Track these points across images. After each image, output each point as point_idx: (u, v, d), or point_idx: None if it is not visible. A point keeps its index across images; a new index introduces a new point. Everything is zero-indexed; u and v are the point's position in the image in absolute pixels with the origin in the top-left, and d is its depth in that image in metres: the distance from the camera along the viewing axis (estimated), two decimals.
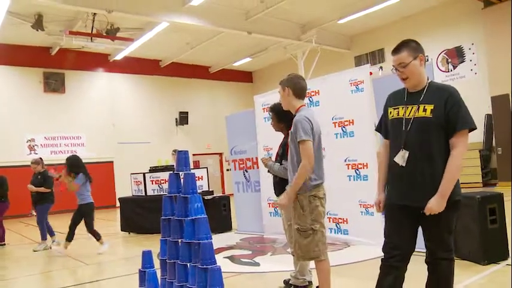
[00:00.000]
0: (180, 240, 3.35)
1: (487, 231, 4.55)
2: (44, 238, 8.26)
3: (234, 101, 21.71)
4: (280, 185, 4.22)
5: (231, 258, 6.22)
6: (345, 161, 6.31)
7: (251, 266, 5.68)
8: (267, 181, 7.25)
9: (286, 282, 4.42)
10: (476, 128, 2.66)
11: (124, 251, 8.13)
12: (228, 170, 19.37)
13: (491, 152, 14.02)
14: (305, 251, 3.48)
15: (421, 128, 2.67)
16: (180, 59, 19.35)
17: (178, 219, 3.36)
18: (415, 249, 2.80)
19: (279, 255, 6.21)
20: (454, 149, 2.62)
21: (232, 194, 8.93)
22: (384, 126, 2.97)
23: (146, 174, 9.96)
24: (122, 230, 9.96)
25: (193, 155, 19.75)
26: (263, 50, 18.46)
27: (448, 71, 15.33)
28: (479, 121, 13.36)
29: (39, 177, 8.31)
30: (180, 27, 14.66)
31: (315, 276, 3.73)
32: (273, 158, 4.69)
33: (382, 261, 2.82)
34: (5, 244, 8.96)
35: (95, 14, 13.18)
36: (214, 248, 3.15)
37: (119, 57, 17.79)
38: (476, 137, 13.40)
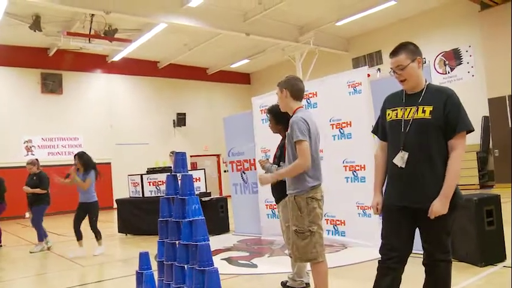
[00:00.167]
0: (177, 242, 3.35)
1: (484, 233, 4.56)
2: (40, 239, 8.23)
3: (232, 102, 21.70)
4: (278, 187, 4.21)
5: (229, 260, 6.22)
6: (343, 162, 6.31)
7: (249, 268, 5.67)
8: None
9: (283, 284, 4.42)
10: (474, 130, 2.68)
11: (121, 253, 8.11)
12: (225, 171, 19.36)
13: (489, 154, 14.05)
14: (302, 252, 3.48)
15: (420, 130, 2.68)
16: (178, 61, 19.34)
17: (176, 220, 3.35)
18: (413, 251, 2.80)
19: (277, 256, 6.21)
20: (453, 150, 2.63)
21: (230, 196, 8.93)
22: (381, 128, 2.97)
23: (144, 175, 9.94)
24: (119, 232, 9.95)
25: (191, 156, 19.74)
26: (261, 52, 18.46)
27: (446, 73, 15.38)
28: (477, 123, 13.39)
29: (34, 178, 8.27)
30: (178, 29, 14.66)
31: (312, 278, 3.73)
32: (271, 160, 4.69)
33: (379, 262, 2.82)
34: (1, 246, 8.93)
35: (92, 15, 13.17)
36: (212, 249, 3.15)
37: (116, 58, 17.78)
38: (474, 139, 13.43)
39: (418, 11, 15.72)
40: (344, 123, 6.34)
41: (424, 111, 2.68)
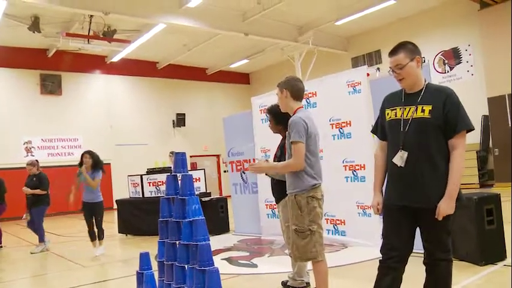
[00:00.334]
0: (177, 242, 3.35)
1: (484, 232, 4.56)
2: (41, 240, 8.23)
3: (231, 102, 21.70)
4: (278, 187, 4.22)
5: (229, 259, 6.22)
6: (342, 162, 6.31)
7: (249, 268, 5.67)
8: (264, 183, 7.26)
9: (284, 283, 4.42)
10: (474, 129, 2.68)
11: (121, 253, 8.11)
12: (225, 171, 19.34)
13: (488, 153, 14.06)
14: (302, 251, 3.48)
15: (420, 129, 2.68)
16: (177, 61, 19.34)
17: (176, 221, 3.35)
18: (414, 251, 2.80)
19: (277, 256, 6.21)
20: (455, 150, 2.64)
21: (230, 196, 8.93)
22: (381, 128, 2.97)
23: (143, 176, 9.94)
24: (119, 232, 9.95)
25: (191, 156, 19.73)
26: (260, 52, 18.47)
27: (445, 72, 15.38)
28: (476, 122, 13.31)
29: (34, 179, 8.28)
30: (177, 29, 14.66)
31: (313, 277, 3.73)
32: (271, 160, 4.69)
33: (380, 262, 2.82)
34: (1, 246, 8.93)
35: (91, 16, 13.16)
36: (212, 249, 3.15)
37: (115, 59, 17.77)
38: (473, 138, 13.43)
39: (418, 10, 15.72)
40: (344, 122, 6.34)
41: (423, 111, 2.69)
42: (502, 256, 4.66)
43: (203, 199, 8.63)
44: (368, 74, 6.26)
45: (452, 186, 2.61)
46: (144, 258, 3.67)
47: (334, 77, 6.66)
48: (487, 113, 13.76)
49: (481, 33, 13.99)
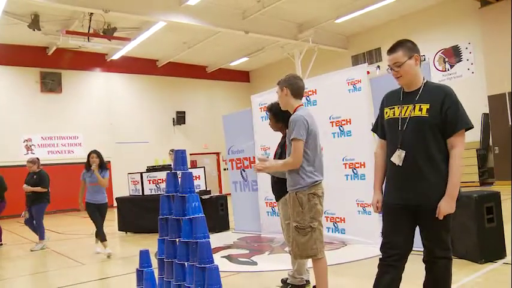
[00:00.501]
0: (177, 240, 3.35)
1: (484, 230, 4.57)
2: (42, 238, 8.24)
3: (231, 100, 21.70)
4: (278, 184, 4.22)
5: (229, 257, 6.23)
6: (342, 160, 6.31)
7: (249, 265, 5.68)
8: (264, 180, 7.27)
9: (283, 281, 4.42)
10: (473, 127, 2.67)
11: (121, 251, 8.11)
12: (225, 169, 19.34)
13: (488, 151, 14.06)
14: (303, 249, 3.48)
15: (417, 128, 2.68)
16: (177, 59, 19.33)
17: (176, 218, 3.36)
18: (414, 249, 2.80)
19: (277, 254, 6.22)
20: (454, 148, 2.63)
21: (230, 194, 8.93)
22: (380, 127, 2.98)
23: (143, 173, 9.94)
24: (119, 230, 9.95)
25: (191, 154, 19.73)
26: (260, 50, 18.46)
27: (445, 71, 15.37)
28: (476, 120, 13.40)
29: (34, 177, 8.29)
30: (177, 27, 14.65)
31: (313, 275, 3.73)
32: (271, 158, 4.69)
33: (380, 260, 2.83)
34: (1, 244, 8.94)
35: (91, 13, 13.14)
36: (212, 247, 3.16)
37: (116, 56, 17.76)
38: (473, 136, 13.44)
39: (418, 8, 15.71)
40: (344, 120, 6.33)
41: (420, 109, 2.69)
42: (501, 254, 4.66)
43: (203, 197, 8.64)
44: (368, 72, 6.25)
45: (453, 185, 2.61)
46: (144, 255, 3.67)
47: (334, 75, 6.65)
48: (487, 111, 13.75)
49: (482, 31, 13.98)
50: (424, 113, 2.67)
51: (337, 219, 6.47)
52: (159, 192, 9.19)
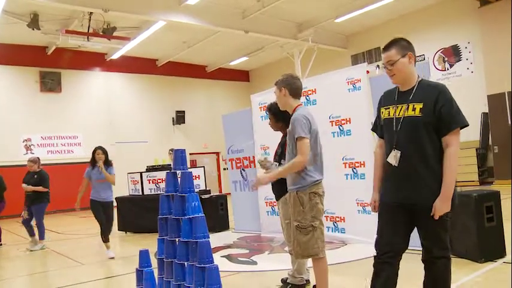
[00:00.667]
0: (177, 239, 3.34)
1: (484, 229, 4.56)
2: (41, 238, 8.24)
3: (231, 100, 21.69)
4: (278, 184, 4.21)
5: (229, 257, 6.22)
6: (342, 159, 6.31)
7: (248, 265, 5.67)
8: None
9: (283, 281, 4.42)
10: (468, 125, 2.65)
11: (121, 251, 8.11)
12: (225, 169, 19.34)
13: (488, 150, 14.05)
14: (304, 248, 3.48)
15: (411, 128, 2.68)
16: (176, 58, 19.31)
17: (176, 218, 3.35)
18: (413, 248, 2.80)
19: (277, 253, 6.21)
20: (448, 147, 2.62)
21: (230, 193, 8.93)
22: (380, 126, 2.98)
23: (143, 173, 9.94)
24: (118, 230, 9.93)
25: (190, 154, 19.72)
26: (260, 49, 18.43)
27: (445, 70, 15.36)
28: (476, 119, 13.39)
29: (35, 176, 8.28)
30: (177, 26, 14.63)
31: (312, 274, 3.73)
32: (271, 158, 4.68)
33: (374, 258, 2.83)
34: (1, 244, 8.93)
35: (91, 13, 13.13)
36: (212, 247, 3.15)
37: (115, 56, 17.74)
38: (473, 135, 13.42)
39: (417, 8, 15.69)
40: (343, 120, 6.33)
41: (414, 109, 2.68)
42: (501, 253, 4.66)
43: (203, 196, 8.63)
44: (368, 71, 6.25)
45: (447, 185, 2.59)
46: (144, 255, 3.66)
47: (334, 74, 6.66)
48: (487, 111, 13.75)
49: (481, 30, 13.97)
50: (417, 113, 2.66)
51: (337, 219, 6.47)
52: (159, 192, 9.18)
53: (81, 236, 9.94)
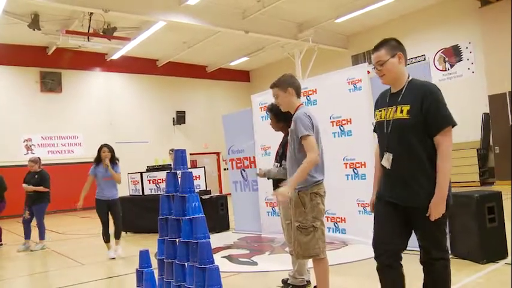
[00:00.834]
0: (177, 240, 3.33)
1: (485, 230, 4.54)
2: (42, 238, 8.23)
3: (232, 100, 21.69)
4: (279, 184, 4.20)
5: (229, 257, 6.21)
6: (343, 160, 6.29)
7: (249, 266, 5.66)
8: (264, 180, 7.24)
9: (284, 281, 4.40)
10: (456, 124, 2.62)
11: (121, 251, 8.08)
12: (225, 169, 19.32)
13: (489, 150, 14.03)
14: (305, 248, 3.46)
15: (399, 130, 2.67)
16: (177, 58, 19.31)
17: (176, 218, 3.34)
18: (412, 249, 2.78)
19: (277, 254, 6.20)
20: (440, 147, 2.59)
21: (230, 194, 8.91)
22: None
23: (143, 173, 9.93)
24: None
25: (191, 154, 19.72)
26: (260, 49, 18.44)
27: (446, 70, 15.33)
28: (477, 120, 13.41)
29: (36, 176, 8.28)
30: (177, 27, 14.63)
31: (313, 275, 3.71)
32: (272, 158, 4.68)
33: (375, 259, 2.82)
34: (1, 244, 8.93)
35: (91, 13, 13.13)
36: (212, 247, 3.14)
37: (115, 56, 17.74)
38: (474, 135, 13.41)
39: (418, 8, 15.68)
40: (344, 120, 6.32)
41: (401, 111, 2.67)
42: (503, 254, 4.64)
43: (203, 197, 8.62)
44: (368, 72, 6.23)
45: (440, 186, 2.57)
46: (144, 256, 3.65)
47: (334, 75, 6.65)
48: (488, 111, 13.73)
49: (482, 30, 13.96)
50: (404, 115, 2.65)
51: (338, 219, 6.45)
52: (159, 192, 9.17)
53: (81, 236, 9.93)
